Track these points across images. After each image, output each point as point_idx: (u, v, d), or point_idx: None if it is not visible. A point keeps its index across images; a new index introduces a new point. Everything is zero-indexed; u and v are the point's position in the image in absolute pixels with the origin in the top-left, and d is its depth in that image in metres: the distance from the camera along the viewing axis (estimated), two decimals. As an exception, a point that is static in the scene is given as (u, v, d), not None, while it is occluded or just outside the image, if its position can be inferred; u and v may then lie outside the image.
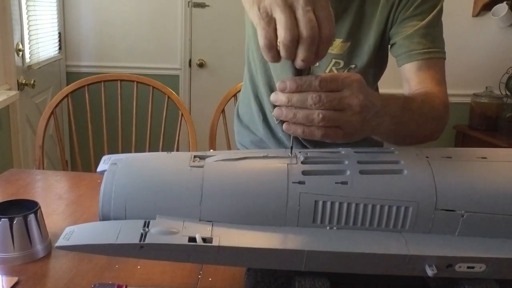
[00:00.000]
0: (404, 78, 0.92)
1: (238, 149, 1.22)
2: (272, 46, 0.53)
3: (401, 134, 0.73)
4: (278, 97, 0.59)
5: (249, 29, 1.08)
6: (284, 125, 0.60)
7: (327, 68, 0.97)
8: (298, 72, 0.58)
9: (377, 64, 0.99)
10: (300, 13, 0.51)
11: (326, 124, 0.58)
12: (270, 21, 0.53)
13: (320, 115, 0.57)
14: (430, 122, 0.78)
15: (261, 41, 0.53)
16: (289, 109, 0.58)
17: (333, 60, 0.96)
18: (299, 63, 0.54)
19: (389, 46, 0.96)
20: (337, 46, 0.95)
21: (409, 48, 0.89)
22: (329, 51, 0.95)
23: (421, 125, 0.76)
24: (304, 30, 0.52)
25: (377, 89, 1.08)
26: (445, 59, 0.91)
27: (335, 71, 0.96)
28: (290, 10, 0.52)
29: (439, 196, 0.57)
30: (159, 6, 2.79)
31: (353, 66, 0.96)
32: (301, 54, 0.53)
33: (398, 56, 0.92)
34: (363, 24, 0.94)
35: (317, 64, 0.98)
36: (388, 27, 0.93)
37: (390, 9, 0.91)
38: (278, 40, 0.53)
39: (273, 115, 0.60)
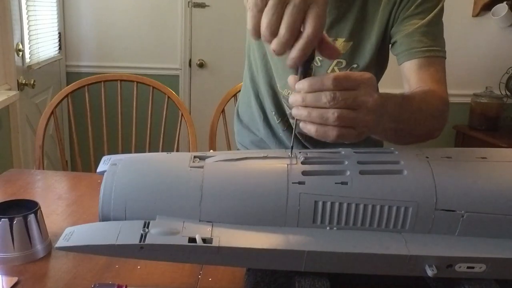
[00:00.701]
0: (404, 76, 0.92)
1: (238, 149, 1.22)
2: (256, 33, 0.54)
3: (399, 133, 0.73)
4: (294, 98, 0.58)
5: None
6: (301, 124, 0.59)
7: (329, 67, 0.97)
8: (302, 72, 0.58)
9: (379, 63, 0.99)
10: (288, 10, 0.52)
11: (341, 124, 0.57)
12: (261, 10, 0.53)
13: (336, 114, 0.56)
14: (429, 120, 0.78)
15: (248, 25, 0.55)
16: (304, 108, 0.58)
17: (335, 60, 0.96)
18: (272, 53, 0.55)
19: (390, 45, 0.96)
20: (339, 46, 0.95)
21: (409, 46, 0.89)
22: None
23: (420, 123, 0.76)
24: (282, 29, 0.52)
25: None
26: (445, 58, 0.91)
27: (337, 71, 0.96)
28: (282, 4, 0.52)
29: (439, 196, 0.57)
30: (159, 6, 2.79)
31: (355, 65, 0.96)
32: (273, 46, 0.54)
33: (399, 54, 0.92)
34: (365, 23, 0.94)
35: (319, 63, 0.97)
36: (390, 25, 0.93)
37: (392, 8, 0.92)
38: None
39: (292, 114, 0.60)
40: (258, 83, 1.09)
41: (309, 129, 0.58)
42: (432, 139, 0.81)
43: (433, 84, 0.86)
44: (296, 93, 0.58)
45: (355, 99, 0.57)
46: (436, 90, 0.84)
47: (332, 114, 0.56)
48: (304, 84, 0.57)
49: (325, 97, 0.56)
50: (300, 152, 0.63)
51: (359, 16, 0.93)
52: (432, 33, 0.89)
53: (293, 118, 0.60)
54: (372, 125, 0.60)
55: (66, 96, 1.48)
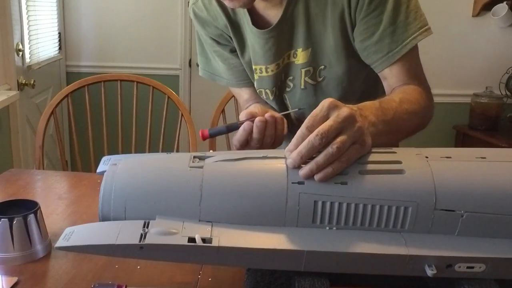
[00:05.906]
0: (384, 85, 0.92)
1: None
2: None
3: (389, 135, 0.74)
4: (292, 161, 0.59)
5: None
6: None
7: (301, 80, 0.96)
8: None
9: (353, 64, 0.94)
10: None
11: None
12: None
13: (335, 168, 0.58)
14: (414, 117, 0.80)
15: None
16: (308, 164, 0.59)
17: (303, 70, 0.95)
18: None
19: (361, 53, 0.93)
20: (300, 56, 0.94)
21: (373, 59, 0.88)
22: (295, 62, 0.95)
23: (407, 120, 0.77)
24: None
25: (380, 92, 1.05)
26: (423, 35, 0.85)
27: (309, 80, 0.96)
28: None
29: (439, 196, 0.57)
30: (159, 6, 2.79)
31: (322, 67, 0.94)
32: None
33: (371, 65, 0.90)
34: (314, 27, 0.91)
35: (292, 77, 0.97)
36: (348, 27, 0.89)
37: (342, 12, 0.87)
38: None
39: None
40: None
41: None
42: (422, 129, 0.84)
43: (409, 82, 0.86)
44: (292, 155, 0.59)
45: (348, 146, 0.58)
46: (410, 90, 0.84)
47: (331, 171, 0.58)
48: (297, 156, 0.58)
49: (324, 157, 0.57)
50: (300, 152, 0.62)
51: (306, 22, 0.91)
52: (392, 33, 0.85)
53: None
54: (366, 131, 0.62)
55: (66, 96, 1.48)
